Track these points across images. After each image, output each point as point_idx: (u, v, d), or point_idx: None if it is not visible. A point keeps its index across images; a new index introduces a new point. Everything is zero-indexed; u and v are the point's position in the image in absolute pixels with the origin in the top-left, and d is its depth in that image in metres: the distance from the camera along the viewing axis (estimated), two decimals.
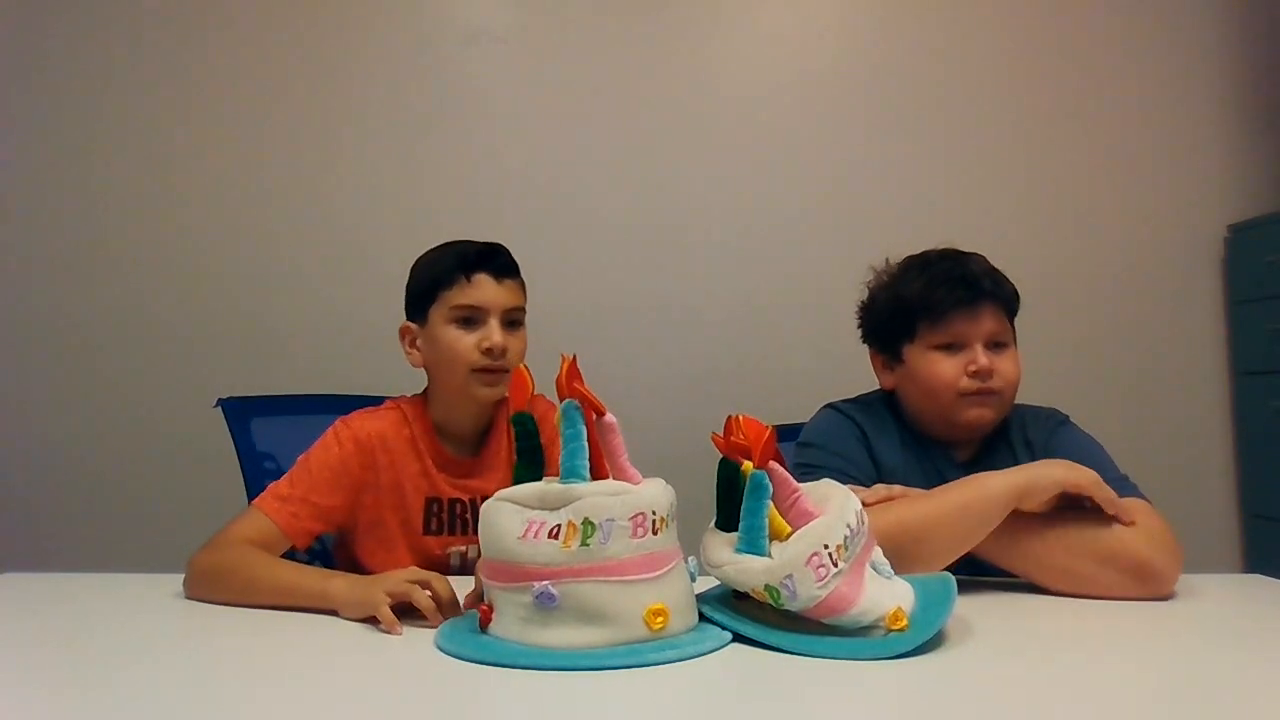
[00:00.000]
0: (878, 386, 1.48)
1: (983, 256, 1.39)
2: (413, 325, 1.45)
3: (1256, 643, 1.01)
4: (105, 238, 2.56)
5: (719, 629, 0.95)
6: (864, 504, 1.15)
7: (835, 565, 0.90)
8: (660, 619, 0.90)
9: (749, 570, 0.93)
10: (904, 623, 0.92)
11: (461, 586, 1.09)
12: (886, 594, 0.94)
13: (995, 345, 1.34)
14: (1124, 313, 2.65)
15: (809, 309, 2.59)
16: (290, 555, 1.31)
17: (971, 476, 1.20)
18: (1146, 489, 1.27)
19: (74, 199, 2.57)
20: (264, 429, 1.66)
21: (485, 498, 1.38)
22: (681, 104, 2.64)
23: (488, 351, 1.37)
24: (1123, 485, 1.26)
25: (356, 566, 1.42)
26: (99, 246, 2.56)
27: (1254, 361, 2.60)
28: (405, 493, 1.41)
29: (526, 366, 1.01)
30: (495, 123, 2.62)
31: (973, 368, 1.31)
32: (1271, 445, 2.54)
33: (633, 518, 0.90)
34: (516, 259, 1.45)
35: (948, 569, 1.09)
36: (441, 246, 1.45)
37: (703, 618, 0.97)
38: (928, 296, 1.33)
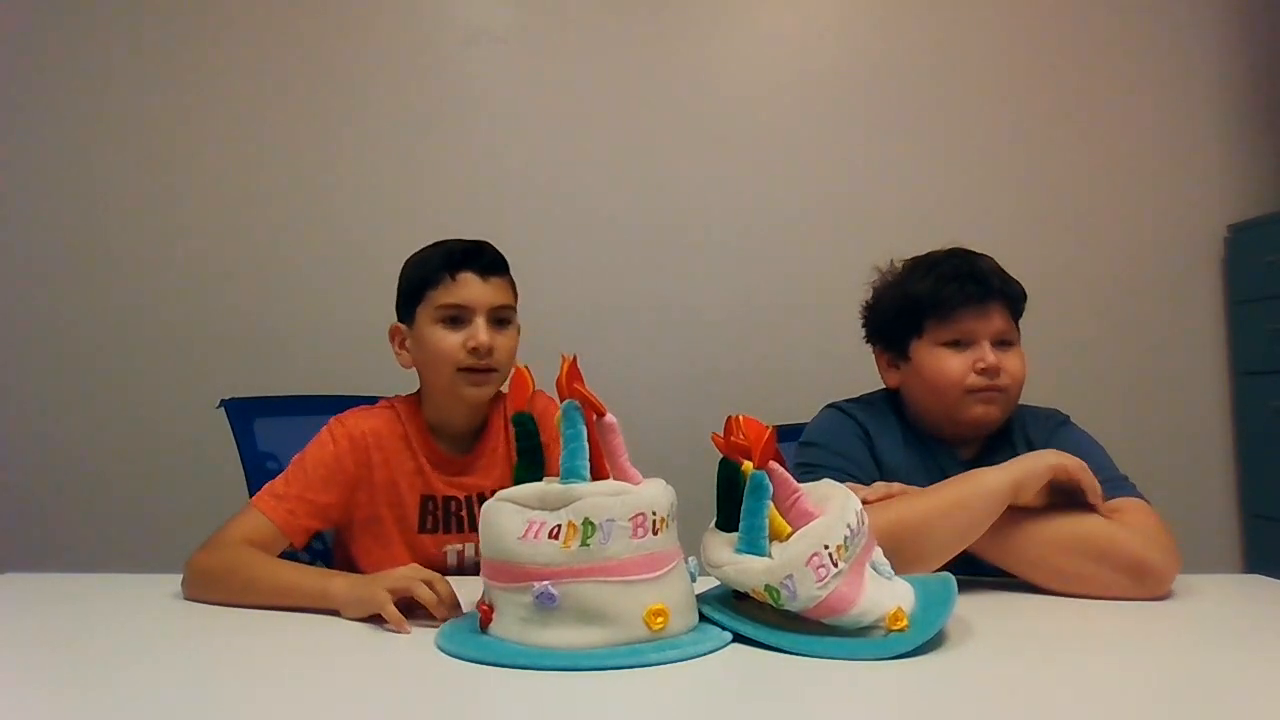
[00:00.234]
0: (878, 387, 1.48)
1: (990, 257, 1.39)
2: (402, 326, 1.45)
3: (1256, 643, 1.01)
4: (105, 238, 2.56)
5: (719, 629, 0.95)
6: (864, 502, 1.15)
7: (835, 565, 0.91)
8: (660, 619, 0.90)
9: (749, 570, 0.93)
10: (904, 623, 0.92)
11: (458, 585, 1.09)
12: (886, 594, 0.94)
13: (1002, 344, 1.34)
14: (1124, 313, 2.65)
15: (809, 309, 2.59)
16: (293, 556, 1.31)
17: (968, 473, 1.20)
18: (1146, 489, 1.27)
19: (74, 199, 2.57)
20: (266, 429, 1.66)
21: (481, 495, 1.39)
22: (682, 104, 2.64)
23: (473, 351, 1.36)
24: (1121, 485, 1.26)
25: (353, 565, 1.42)
26: (98, 247, 2.56)
27: (1254, 361, 2.60)
28: (400, 490, 1.41)
29: (527, 366, 1.01)
30: (495, 123, 2.62)
31: (981, 365, 1.31)
32: (1271, 445, 2.54)
33: (633, 518, 0.90)
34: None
35: (947, 568, 1.09)
36: (430, 246, 1.45)
37: (703, 618, 0.97)
38: (937, 293, 1.33)
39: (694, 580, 0.98)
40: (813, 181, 2.64)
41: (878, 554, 1.00)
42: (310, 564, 1.54)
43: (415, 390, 1.48)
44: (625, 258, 2.61)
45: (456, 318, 1.38)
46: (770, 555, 0.93)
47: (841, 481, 1.08)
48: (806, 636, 0.91)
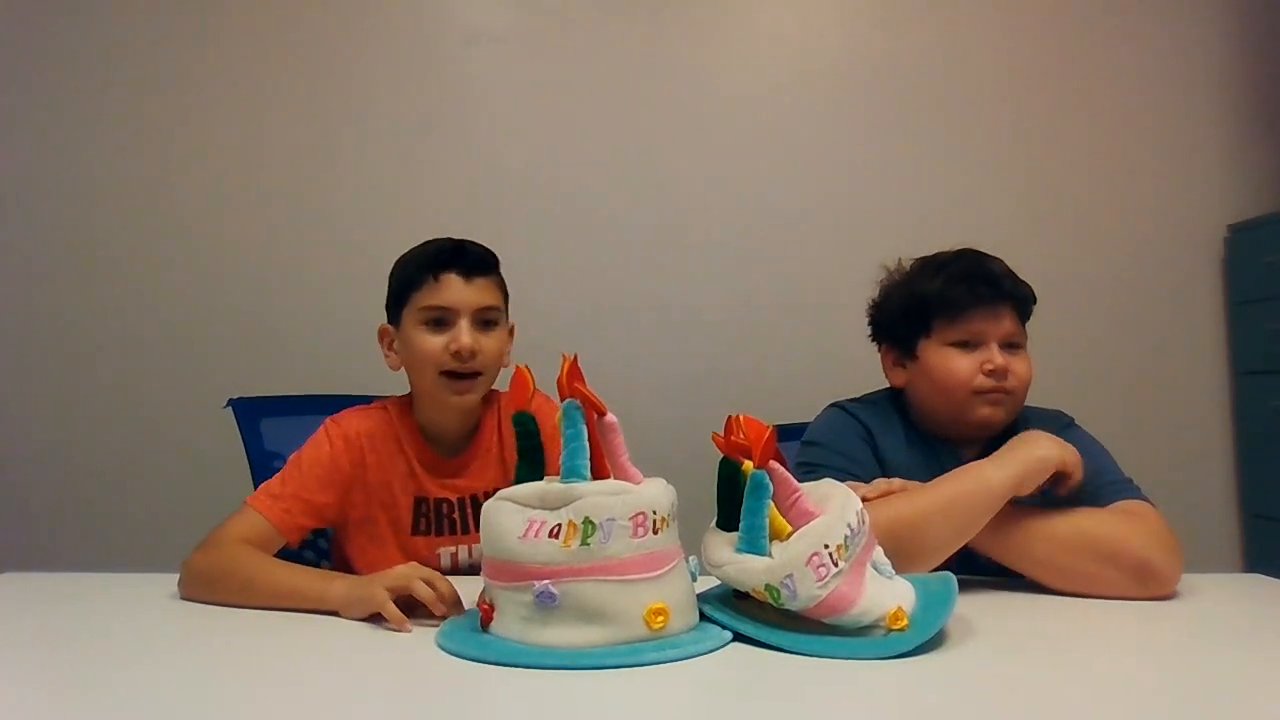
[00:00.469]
0: (879, 387, 1.48)
1: (999, 259, 1.38)
2: (390, 327, 1.44)
3: (1256, 643, 1.01)
4: (104, 238, 2.56)
5: (719, 628, 0.95)
6: (865, 498, 1.15)
7: (835, 565, 0.91)
8: (660, 618, 0.90)
9: (749, 570, 0.93)
10: (904, 622, 0.92)
11: (459, 584, 1.09)
12: (887, 594, 0.94)
13: (1010, 346, 1.33)
14: (1124, 313, 2.65)
15: (809, 309, 2.59)
16: (296, 556, 1.31)
17: (968, 466, 1.19)
18: (1147, 489, 1.27)
19: (73, 199, 2.57)
20: (273, 429, 1.66)
21: (474, 497, 1.39)
22: (682, 104, 2.64)
23: (455, 354, 1.34)
24: (1125, 488, 1.26)
25: (348, 566, 1.42)
26: (98, 247, 2.56)
27: (1254, 361, 2.60)
28: (394, 492, 1.40)
29: (527, 366, 1.01)
30: (495, 123, 2.62)
31: (989, 366, 1.30)
32: (1271, 445, 2.54)
33: (633, 517, 0.90)
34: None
35: (949, 567, 1.09)
36: (417, 246, 1.43)
37: (703, 617, 0.97)
38: (948, 292, 1.33)
39: (694, 579, 0.98)
40: (813, 181, 2.64)
41: (878, 553, 1.00)
42: (314, 564, 1.54)
43: (409, 391, 1.47)
44: (625, 257, 2.61)
45: (440, 320, 1.36)
46: (770, 555, 0.93)
47: (843, 481, 1.08)
48: (807, 636, 0.91)
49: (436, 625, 1.01)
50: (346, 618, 1.07)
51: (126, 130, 2.57)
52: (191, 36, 2.58)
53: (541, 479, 0.97)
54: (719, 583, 0.99)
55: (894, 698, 0.82)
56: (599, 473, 0.96)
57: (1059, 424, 1.39)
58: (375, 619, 1.04)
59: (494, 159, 2.61)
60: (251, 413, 1.66)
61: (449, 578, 1.09)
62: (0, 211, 2.57)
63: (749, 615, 0.96)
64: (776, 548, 0.93)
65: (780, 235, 2.63)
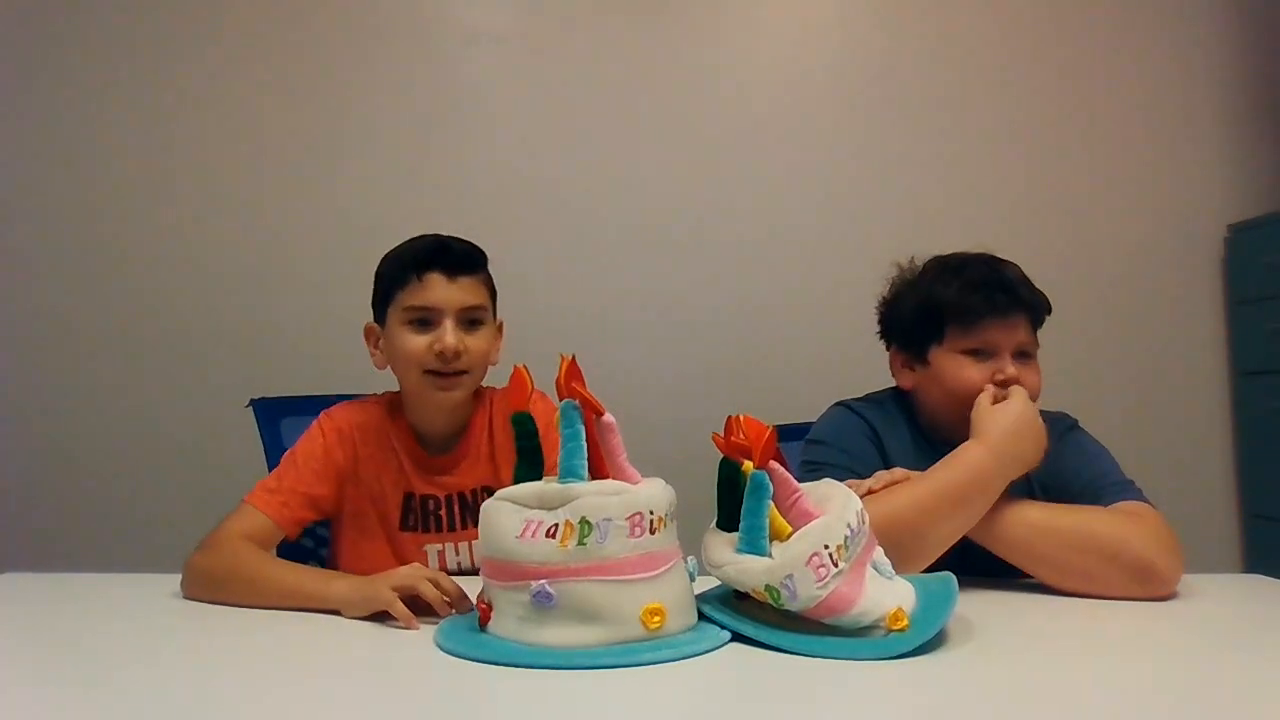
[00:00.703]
0: (879, 386, 1.48)
1: (1015, 265, 1.36)
2: (375, 326, 1.43)
3: (1256, 643, 1.01)
4: (105, 238, 2.56)
5: (717, 628, 0.95)
6: (872, 490, 1.16)
7: (835, 565, 0.90)
8: (657, 618, 0.90)
9: (749, 570, 0.93)
10: (904, 623, 0.92)
11: (458, 584, 1.09)
12: (887, 594, 0.94)
13: (1022, 355, 1.31)
14: (1124, 313, 2.65)
15: (810, 308, 2.59)
16: (295, 550, 1.30)
17: (964, 457, 1.19)
18: (1147, 489, 1.27)
19: (74, 199, 2.57)
20: (294, 429, 1.65)
21: (460, 495, 1.39)
22: (682, 104, 2.64)
23: (439, 354, 1.33)
24: (1127, 489, 1.26)
25: (337, 559, 1.43)
26: (99, 247, 2.56)
27: (1254, 361, 2.60)
28: (384, 486, 1.41)
29: (525, 366, 1.01)
30: (495, 123, 2.62)
31: (1000, 377, 1.29)
32: (1271, 445, 2.53)
33: (630, 517, 0.90)
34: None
35: (950, 568, 1.09)
36: (402, 244, 1.42)
37: (703, 617, 0.97)
38: (963, 300, 1.30)
39: (693, 580, 0.98)
40: (812, 181, 2.64)
41: (878, 554, 1.00)
42: (313, 551, 1.54)
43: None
44: (625, 257, 2.61)
45: (424, 320, 1.35)
46: (770, 555, 0.93)
47: (848, 480, 1.08)
48: (807, 636, 0.91)
49: (437, 623, 1.01)
50: (347, 617, 1.07)
51: (126, 130, 2.57)
52: (192, 36, 2.58)
53: (540, 479, 0.97)
54: (719, 583, 0.99)
55: (894, 698, 0.82)
56: (598, 473, 0.96)
57: (1063, 426, 1.38)
58: (375, 618, 1.05)
59: (494, 158, 2.61)
60: (272, 413, 1.66)
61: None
62: (2, 211, 2.57)
63: (749, 616, 0.96)
64: (776, 548, 0.93)
65: (780, 235, 2.62)
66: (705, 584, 1.01)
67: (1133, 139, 2.69)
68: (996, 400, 1.25)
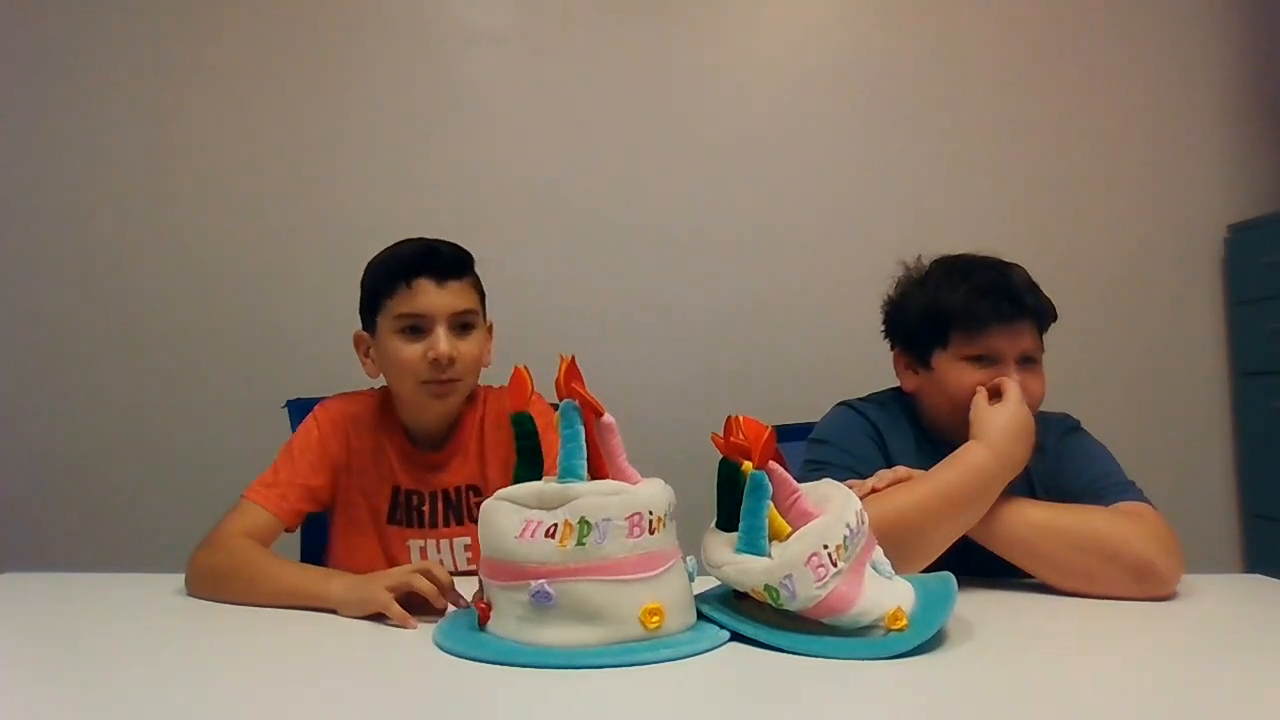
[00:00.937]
0: (880, 387, 1.48)
1: (1022, 268, 1.35)
2: (365, 334, 1.42)
3: (1256, 643, 1.01)
4: (106, 238, 2.56)
5: (716, 628, 0.95)
6: (875, 489, 1.16)
7: (835, 565, 0.91)
8: (656, 618, 0.90)
9: (748, 570, 0.93)
10: (904, 623, 0.92)
11: (457, 584, 1.09)
12: (886, 594, 0.94)
13: (1026, 361, 1.31)
14: (1124, 313, 2.65)
15: (810, 309, 2.59)
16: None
17: (964, 458, 1.19)
18: (1147, 489, 1.27)
19: (74, 199, 2.57)
20: None
21: (445, 492, 1.39)
22: (682, 104, 2.64)
23: (434, 363, 1.32)
24: (1128, 489, 1.26)
25: (330, 551, 1.44)
26: (99, 247, 2.56)
27: (1254, 361, 2.60)
28: (373, 479, 1.41)
29: (526, 366, 1.01)
30: (495, 122, 2.62)
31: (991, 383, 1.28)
32: (1271, 445, 2.53)
33: (629, 517, 0.90)
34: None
35: (950, 568, 1.09)
36: (388, 249, 1.40)
37: (702, 617, 0.97)
38: (969, 307, 1.29)
39: (693, 580, 0.98)
40: (812, 182, 2.64)
41: (878, 553, 1.00)
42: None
43: None
44: (625, 257, 2.61)
45: (415, 327, 1.34)
46: (770, 555, 0.93)
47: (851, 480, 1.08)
48: (806, 636, 0.91)
49: (437, 621, 1.01)
50: (345, 616, 1.07)
51: (126, 131, 2.57)
52: (192, 37, 2.58)
53: (540, 479, 0.97)
54: (718, 583, 0.99)
55: (893, 698, 0.82)
56: (597, 473, 0.96)
57: (1064, 426, 1.38)
58: (374, 617, 1.05)
59: (494, 158, 2.61)
60: (305, 414, 1.66)
61: None
62: (3, 211, 2.57)
63: (748, 615, 0.96)
64: (776, 548, 0.93)
65: (780, 235, 2.62)
66: (705, 584, 1.01)
67: (1133, 139, 2.68)
68: (991, 397, 1.25)
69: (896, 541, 1.07)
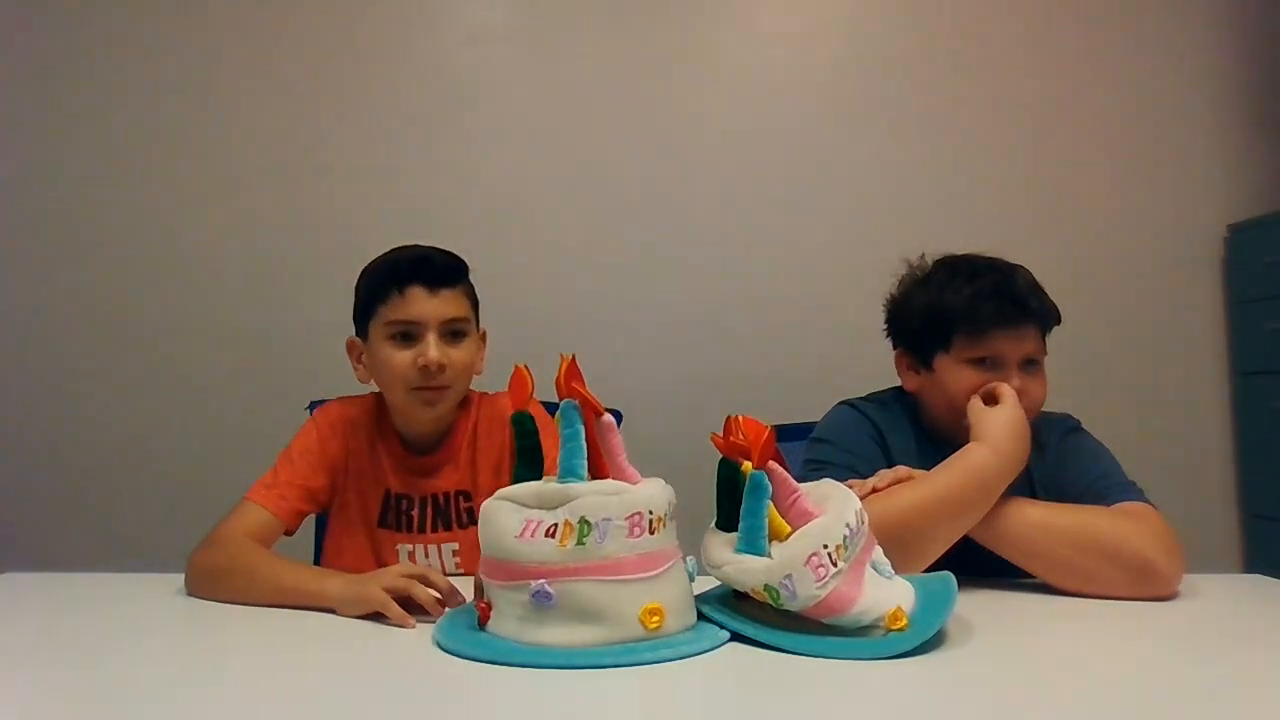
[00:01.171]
0: (880, 387, 1.47)
1: (1026, 269, 1.34)
2: (357, 340, 1.43)
3: (1256, 643, 1.01)
4: (106, 238, 2.57)
5: (716, 628, 0.95)
6: (876, 489, 1.16)
7: (835, 565, 0.90)
8: (656, 618, 0.90)
9: (748, 570, 0.93)
10: (904, 622, 0.92)
11: (456, 584, 1.09)
12: (886, 594, 0.94)
13: (1028, 363, 1.30)
14: (1124, 313, 2.65)
15: (811, 309, 2.59)
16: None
17: (969, 459, 1.19)
18: (1147, 489, 1.27)
19: (75, 199, 2.57)
20: None
21: (435, 497, 1.39)
22: (682, 103, 2.64)
23: (424, 369, 1.32)
24: (1129, 490, 1.26)
25: (323, 552, 1.45)
26: (100, 246, 2.56)
27: (1254, 361, 2.60)
28: (367, 482, 1.42)
29: (526, 366, 1.01)
30: (495, 122, 2.62)
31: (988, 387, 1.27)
32: (1271, 445, 2.53)
33: (629, 517, 0.90)
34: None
35: (951, 569, 1.09)
36: (381, 256, 1.41)
37: (702, 617, 0.97)
38: (973, 310, 1.28)
39: (693, 580, 0.98)
40: (813, 181, 2.64)
41: (878, 553, 1.00)
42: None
43: None
44: (625, 257, 2.61)
45: (406, 333, 1.34)
46: (770, 555, 0.93)
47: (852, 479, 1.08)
48: (806, 636, 0.91)
49: (434, 621, 1.02)
50: (343, 615, 1.07)
51: (124, 131, 2.57)
52: (190, 37, 2.59)
53: (540, 479, 0.97)
54: (718, 583, 0.99)
55: (894, 698, 0.82)
56: (597, 473, 0.96)
57: (1064, 427, 1.38)
58: (373, 617, 1.05)
59: (494, 158, 2.61)
60: None
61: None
62: (4, 212, 2.57)
63: (748, 615, 0.96)
64: (776, 548, 0.93)
65: (781, 235, 2.63)
66: (705, 584, 1.01)
67: (1133, 139, 2.68)
68: (986, 402, 1.25)
69: (897, 542, 1.07)
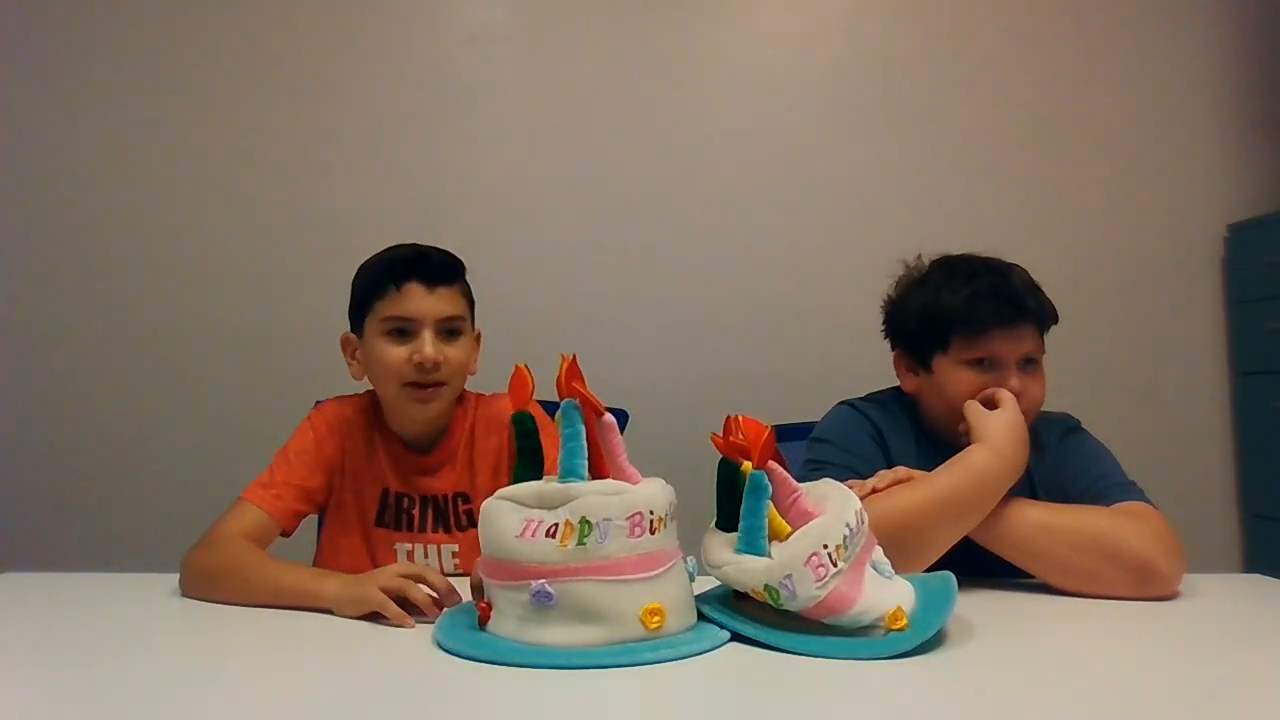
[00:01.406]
0: (879, 386, 1.47)
1: (1023, 269, 1.34)
2: (352, 336, 1.43)
3: (1256, 643, 1.01)
4: (106, 238, 2.56)
5: (717, 628, 0.95)
6: (876, 489, 1.16)
7: (834, 565, 0.90)
8: (656, 618, 0.90)
9: (748, 570, 0.93)
10: (904, 622, 0.92)
11: (455, 585, 1.09)
12: (886, 593, 0.94)
13: (1027, 362, 1.30)
14: (1124, 313, 2.65)
15: (811, 309, 2.59)
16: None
17: (970, 461, 1.19)
18: (1147, 489, 1.27)
19: (75, 200, 2.57)
20: None
21: (433, 497, 1.39)
22: (682, 103, 2.64)
23: (418, 366, 1.32)
24: (1129, 490, 1.26)
25: (318, 552, 1.44)
26: (100, 247, 2.56)
27: (1254, 361, 2.60)
28: (364, 481, 1.42)
29: (527, 366, 1.01)
30: (495, 122, 2.62)
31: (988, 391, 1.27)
32: (1271, 445, 2.53)
33: (630, 517, 0.90)
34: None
35: (951, 568, 1.09)
36: (380, 253, 1.41)
37: (702, 617, 0.97)
38: (971, 311, 1.28)
39: (693, 580, 0.98)
40: (813, 181, 2.64)
41: (878, 553, 1.00)
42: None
43: None
44: (625, 257, 2.61)
45: (402, 330, 1.34)
46: (770, 555, 0.92)
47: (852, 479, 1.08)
48: (806, 636, 0.91)
49: (433, 621, 1.01)
50: (340, 615, 1.07)
51: (123, 131, 2.57)
52: (189, 36, 2.59)
53: (540, 478, 0.97)
54: (718, 583, 0.99)
55: (894, 698, 0.82)
56: (598, 473, 0.96)
57: (1065, 427, 1.38)
58: (372, 617, 1.05)
59: (494, 158, 2.61)
60: None
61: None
62: (4, 213, 2.57)
63: (748, 616, 0.96)
64: (775, 548, 0.93)
65: (781, 235, 2.63)
66: (705, 584, 1.01)
67: (1132, 139, 2.69)
68: (986, 406, 1.25)
69: (897, 542, 1.07)
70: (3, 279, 2.56)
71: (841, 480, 1.08)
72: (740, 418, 0.97)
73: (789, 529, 0.95)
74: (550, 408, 1.00)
